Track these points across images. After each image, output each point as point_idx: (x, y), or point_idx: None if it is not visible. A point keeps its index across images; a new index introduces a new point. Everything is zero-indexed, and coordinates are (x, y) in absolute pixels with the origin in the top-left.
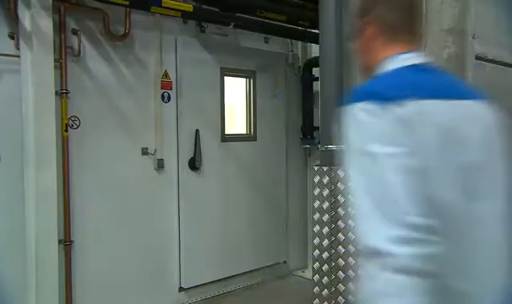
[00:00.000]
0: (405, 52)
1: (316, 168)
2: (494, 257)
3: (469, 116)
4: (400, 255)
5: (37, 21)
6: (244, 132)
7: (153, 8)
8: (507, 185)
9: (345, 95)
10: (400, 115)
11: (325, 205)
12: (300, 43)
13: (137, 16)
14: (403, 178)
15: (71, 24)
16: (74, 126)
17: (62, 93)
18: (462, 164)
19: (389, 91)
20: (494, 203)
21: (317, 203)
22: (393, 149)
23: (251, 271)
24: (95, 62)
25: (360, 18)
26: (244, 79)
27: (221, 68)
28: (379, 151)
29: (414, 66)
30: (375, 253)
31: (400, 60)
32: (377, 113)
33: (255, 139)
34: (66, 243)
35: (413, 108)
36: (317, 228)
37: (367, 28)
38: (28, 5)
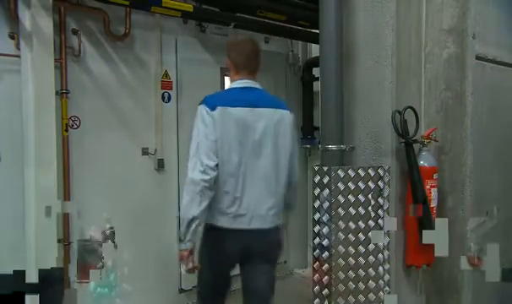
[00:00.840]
0: (240, 79)
1: (316, 168)
2: (262, 186)
3: (258, 116)
4: (198, 178)
5: (37, 21)
6: None
7: (153, 8)
8: (273, 151)
9: (345, 95)
10: (212, 114)
11: (325, 205)
12: (300, 43)
13: (137, 16)
14: (206, 143)
15: (71, 24)
16: (74, 126)
17: (62, 93)
18: (249, 138)
19: (212, 102)
20: (266, 159)
21: (317, 203)
22: (205, 128)
23: None
24: (96, 62)
25: (227, 57)
26: None
27: (222, 68)
28: (200, 127)
29: (240, 88)
30: (189, 177)
31: (236, 83)
32: (204, 111)
33: None
34: (66, 243)
35: (220, 111)
36: (317, 228)
37: (228, 63)
38: (28, 5)
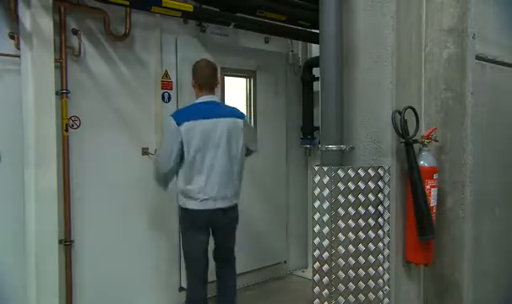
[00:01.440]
0: (202, 96)
1: (316, 168)
2: (221, 177)
3: (216, 124)
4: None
5: (37, 21)
6: None
7: (153, 8)
8: (228, 150)
9: (345, 95)
10: (181, 128)
11: (325, 205)
12: (300, 43)
13: (137, 16)
14: (175, 147)
15: (71, 23)
16: (75, 126)
17: (62, 93)
18: (210, 142)
19: (180, 118)
20: (223, 156)
21: (317, 203)
22: (171, 139)
23: (251, 271)
24: (96, 62)
25: (192, 77)
26: (244, 79)
27: (222, 68)
28: (168, 136)
29: (202, 102)
30: (157, 168)
31: (200, 99)
32: (173, 124)
33: None
34: (66, 243)
35: (187, 125)
36: (317, 228)
37: (193, 83)
38: (28, 5)
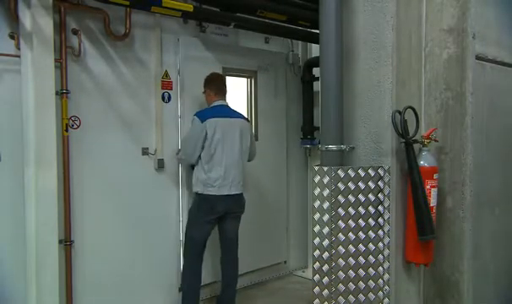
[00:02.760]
0: (217, 100)
1: (316, 168)
2: (235, 167)
3: (231, 123)
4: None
5: (37, 21)
6: None
7: (153, 8)
8: (240, 145)
9: (345, 95)
10: (205, 123)
11: (325, 205)
12: (300, 43)
13: (137, 16)
14: (196, 139)
15: (71, 23)
16: (75, 126)
17: (62, 93)
18: (228, 137)
19: (203, 116)
20: (237, 150)
21: (317, 203)
22: (198, 133)
23: (251, 271)
24: (96, 62)
25: (204, 87)
26: (245, 79)
27: (222, 68)
28: (195, 131)
29: (218, 105)
30: (182, 158)
31: (215, 103)
32: (198, 121)
33: (256, 139)
34: (66, 243)
35: (210, 121)
36: (317, 228)
37: (206, 91)
38: (28, 5)
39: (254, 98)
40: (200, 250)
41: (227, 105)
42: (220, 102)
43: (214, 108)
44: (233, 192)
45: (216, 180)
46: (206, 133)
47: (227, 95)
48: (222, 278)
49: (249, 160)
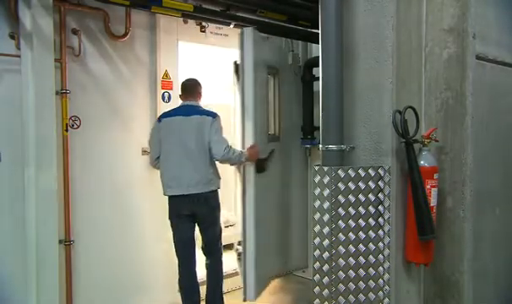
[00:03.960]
0: (183, 102)
1: (316, 168)
2: (190, 158)
3: (185, 120)
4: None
5: (38, 21)
6: None
7: (153, 8)
8: (196, 139)
9: (345, 95)
10: (161, 124)
11: (326, 205)
12: (300, 43)
13: (137, 16)
14: (155, 140)
15: (71, 23)
16: (75, 126)
17: (62, 93)
18: (180, 135)
19: (161, 116)
20: (192, 143)
21: (317, 203)
22: (154, 133)
23: None
24: (96, 62)
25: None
26: None
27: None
28: (152, 131)
29: (181, 105)
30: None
31: (180, 104)
32: (156, 122)
33: None
34: (66, 243)
35: (164, 121)
36: (317, 228)
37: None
38: (28, 5)
39: None
40: (183, 251)
41: (191, 105)
42: (185, 102)
43: (176, 109)
44: (192, 192)
45: (171, 180)
46: (160, 134)
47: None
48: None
49: (218, 159)
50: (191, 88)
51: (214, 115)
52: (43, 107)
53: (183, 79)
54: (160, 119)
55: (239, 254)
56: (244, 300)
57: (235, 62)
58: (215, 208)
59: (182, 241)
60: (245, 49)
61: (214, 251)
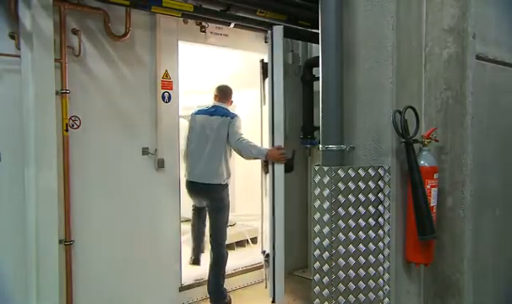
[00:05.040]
0: (214, 103)
1: (316, 168)
2: (207, 150)
3: (209, 119)
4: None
5: (37, 21)
6: None
7: (153, 8)
8: (215, 136)
9: (345, 95)
10: (190, 117)
11: (326, 205)
12: (300, 43)
13: (137, 16)
14: (187, 131)
15: (71, 23)
16: (75, 126)
17: (62, 93)
18: (206, 131)
19: (194, 111)
20: (211, 139)
21: (317, 203)
22: (189, 125)
23: (250, 270)
24: (96, 62)
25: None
26: None
27: (262, 62)
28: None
29: (211, 105)
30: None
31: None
32: (191, 115)
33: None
34: (66, 243)
35: (193, 116)
36: (317, 228)
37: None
38: (28, 5)
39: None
40: (194, 215)
41: (220, 106)
42: (215, 103)
43: (207, 108)
44: (201, 181)
45: (189, 166)
46: (190, 126)
47: None
48: None
49: (232, 147)
50: (225, 92)
51: (233, 115)
52: (43, 107)
53: (220, 84)
54: (192, 114)
55: (266, 255)
56: (273, 301)
57: (261, 61)
58: (218, 199)
59: (194, 208)
60: (274, 46)
61: (217, 238)
